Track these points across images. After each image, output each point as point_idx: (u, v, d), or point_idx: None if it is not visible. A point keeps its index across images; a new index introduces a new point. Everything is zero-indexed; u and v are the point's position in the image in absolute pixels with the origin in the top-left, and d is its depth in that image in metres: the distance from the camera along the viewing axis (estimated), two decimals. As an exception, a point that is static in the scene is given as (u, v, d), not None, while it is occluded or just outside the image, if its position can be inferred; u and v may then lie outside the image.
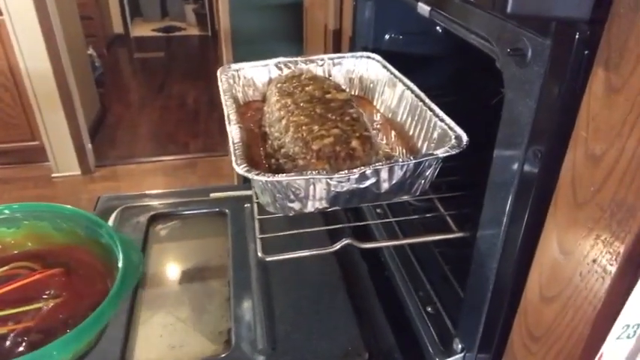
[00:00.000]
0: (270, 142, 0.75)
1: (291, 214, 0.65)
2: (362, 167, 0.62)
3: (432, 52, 1.04)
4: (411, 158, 0.64)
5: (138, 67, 4.79)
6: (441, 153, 0.64)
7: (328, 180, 0.62)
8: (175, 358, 0.76)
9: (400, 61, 0.93)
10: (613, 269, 0.39)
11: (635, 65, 0.35)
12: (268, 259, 0.63)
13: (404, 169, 0.64)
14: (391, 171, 0.64)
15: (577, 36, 0.40)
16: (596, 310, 0.42)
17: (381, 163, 0.63)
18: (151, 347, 0.77)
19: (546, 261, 0.48)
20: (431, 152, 0.66)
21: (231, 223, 1.03)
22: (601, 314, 0.41)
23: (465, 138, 0.66)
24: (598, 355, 0.41)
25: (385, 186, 0.66)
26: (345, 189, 0.64)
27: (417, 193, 0.69)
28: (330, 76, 0.96)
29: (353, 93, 0.97)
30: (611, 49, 0.37)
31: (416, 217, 0.79)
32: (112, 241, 0.54)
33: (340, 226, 0.81)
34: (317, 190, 0.63)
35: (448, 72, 1.07)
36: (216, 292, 0.89)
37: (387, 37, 1.03)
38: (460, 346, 0.67)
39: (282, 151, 0.70)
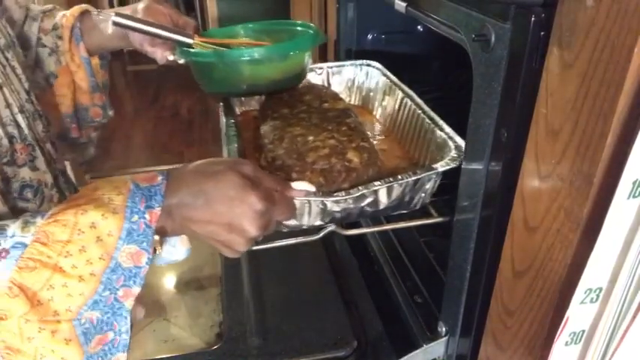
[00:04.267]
0: (264, 154, 0.72)
1: (284, 231, 0.64)
2: (359, 188, 0.60)
3: (414, 50, 1.07)
4: (410, 174, 0.62)
5: (131, 79, 4.81)
6: (441, 167, 0.63)
7: (324, 200, 0.60)
8: (168, 351, 0.78)
9: (383, 60, 0.95)
10: (575, 237, 0.41)
11: (583, 41, 0.38)
12: (254, 247, 0.65)
13: (402, 186, 0.63)
14: (390, 189, 0.63)
15: (533, 19, 0.43)
16: (561, 278, 0.44)
17: (379, 183, 0.61)
18: (144, 341, 0.79)
19: (517, 236, 0.50)
20: (431, 166, 0.64)
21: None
22: (566, 282, 0.44)
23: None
24: (564, 320, 0.43)
25: (384, 202, 0.64)
26: (341, 208, 0.62)
27: (417, 207, 0.68)
28: (329, 84, 0.95)
29: (353, 102, 0.95)
30: (563, 28, 0.40)
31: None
32: (314, 31, 0.85)
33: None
34: (312, 208, 0.62)
35: (431, 69, 1.10)
36: (208, 288, 0.91)
37: (369, 37, 1.06)
38: (444, 329, 0.69)
39: (277, 163, 0.67)
